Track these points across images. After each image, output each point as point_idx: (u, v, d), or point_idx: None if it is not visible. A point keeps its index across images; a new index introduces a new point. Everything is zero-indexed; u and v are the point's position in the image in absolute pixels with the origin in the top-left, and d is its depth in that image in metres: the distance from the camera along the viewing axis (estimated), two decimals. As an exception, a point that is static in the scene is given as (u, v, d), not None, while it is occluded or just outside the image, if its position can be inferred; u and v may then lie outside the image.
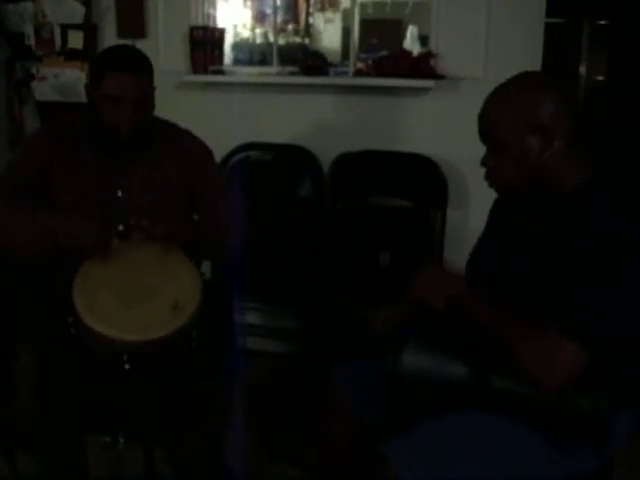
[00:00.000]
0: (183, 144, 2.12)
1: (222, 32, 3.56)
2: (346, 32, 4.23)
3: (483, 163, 1.58)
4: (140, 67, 1.96)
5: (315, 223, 3.35)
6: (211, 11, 3.64)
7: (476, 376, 1.47)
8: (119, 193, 2.03)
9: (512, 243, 1.60)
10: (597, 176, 1.51)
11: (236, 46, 4.11)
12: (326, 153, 3.37)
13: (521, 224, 1.60)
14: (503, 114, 1.50)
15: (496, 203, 1.80)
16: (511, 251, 1.58)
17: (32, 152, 2.06)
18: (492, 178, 1.57)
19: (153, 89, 2.02)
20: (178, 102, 3.42)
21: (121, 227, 1.93)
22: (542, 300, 1.42)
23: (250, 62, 4.08)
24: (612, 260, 1.38)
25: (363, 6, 4.24)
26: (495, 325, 1.44)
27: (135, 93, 1.92)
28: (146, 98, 1.96)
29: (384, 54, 3.48)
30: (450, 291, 1.52)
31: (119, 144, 1.97)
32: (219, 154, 3.17)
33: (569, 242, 1.41)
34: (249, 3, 4.36)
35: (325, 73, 3.46)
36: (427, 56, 3.24)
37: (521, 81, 1.55)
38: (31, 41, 3.58)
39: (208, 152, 2.17)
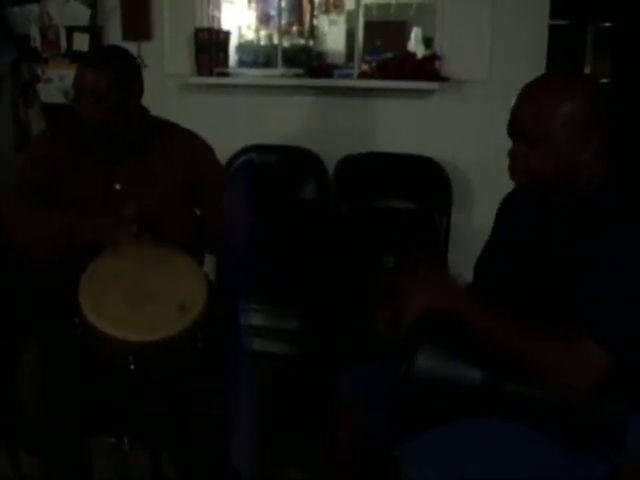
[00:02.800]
0: (182, 141, 2.13)
1: (227, 34, 3.57)
2: (350, 34, 4.22)
3: (510, 155, 1.55)
4: (103, 63, 1.95)
5: (319, 225, 3.35)
6: (216, 13, 3.65)
7: (490, 380, 1.46)
8: (117, 186, 2.05)
9: (528, 245, 1.59)
10: (616, 176, 1.51)
11: (241, 48, 4.11)
12: (330, 155, 3.38)
13: (536, 223, 1.59)
14: (543, 109, 1.47)
15: (504, 202, 1.78)
16: (528, 253, 1.57)
17: (41, 151, 2.11)
18: (519, 172, 1.54)
19: (125, 91, 1.98)
20: (183, 104, 3.43)
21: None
22: (562, 301, 1.41)
23: (255, 64, 4.08)
24: (632, 259, 1.38)
25: (367, 8, 4.23)
26: (512, 335, 1.41)
27: (93, 88, 1.92)
28: (105, 94, 1.93)
29: (388, 56, 3.49)
30: (450, 303, 1.48)
31: (88, 137, 1.99)
32: (223, 156, 3.17)
33: (598, 244, 1.40)
34: (253, 5, 4.36)
35: (329, 75, 3.46)
36: (431, 58, 3.25)
37: (562, 78, 1.54)
38: (37, 43, 3.59)
39: (208, 149, 2.18)
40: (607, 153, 1.51)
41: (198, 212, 2.17)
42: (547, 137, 1.47)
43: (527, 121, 1.49)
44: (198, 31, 3.46)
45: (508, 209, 1.77)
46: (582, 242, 1.44)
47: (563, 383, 1.38)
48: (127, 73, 2.00)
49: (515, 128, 1.53)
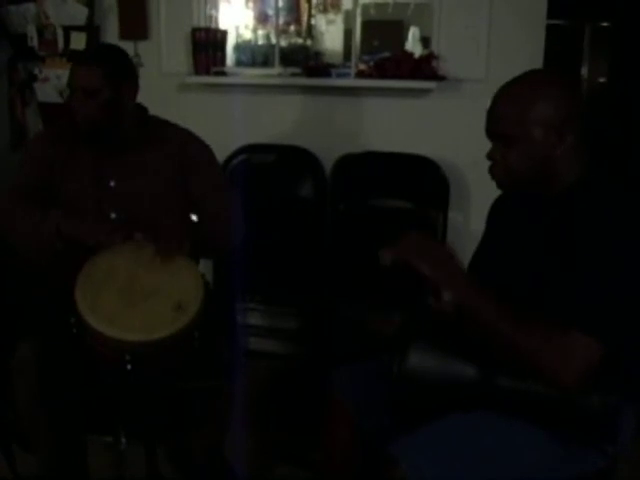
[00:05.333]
0: (180, 140, 2.13)
1: (224, 33, 3.56)
2: (348, 33, 4.23)
3: (489, 157, 1.58)
4: (95, 60, 1.95)
5: (317, 224, 3.35)
6: (213, 12, 3.64)
7: (483, 375, 1.47)
8: (112, 183, 2.05)
9: (516, 243, 1.60)
10: (595, 173, 1.53)
11: (238, 47, 4.11)
12: (328, 154, 3.38)
13: (522, 223, 1.61)
14: (517, 110, 1.49)
15: (495, 205, 1.81)
16: (515, 250, 1.59)
17: (37, 152, 2.10)
18: (498, 173, 1.57)
19: (118, 88, 1.98)
20: (180, 103, 3.43)
21: (114, 215, 1.99)
22: (550, 297, 1.42)
23: (252, 63, 4.08)
24: (619, 253, 1.38)
25: (365, 7, 4.24)
26: (504, 325, 1.40)
27: (84, 84, 1.93)
28: (98, 91, 1.94)
29: (386, 55, 3.48)
30: (439, 257, 1.46)
31: (82, 134, 2.00)
32: (221, 155, 3.18)
33: (575, 237, 1.42)
34: (251, 4, 4.36)
35: (327, 74, 3.46)
36: (429, 57, 3.25)
37: (534, 78, 1.56)
38: (34, 42, 3.58)
39: (206, 149, 2.18)
40: (586, 147, 1.53)
41: (195, 217, 2.17)
42: (522, 137, 1.50)
43: (502, 122, 1.52)
44: (195, 30, 3.45)
45: (498, 212, 1.79)
46: (562, 236, 1.45)
47: (551, 375, 1.37)
48: (119, 71, 2.01)
49: (491, 130, 1.56)
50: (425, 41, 3.67)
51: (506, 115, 1.52)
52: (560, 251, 1.44)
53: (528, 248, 1.55)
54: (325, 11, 4.78)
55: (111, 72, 1.96)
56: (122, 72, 2.02)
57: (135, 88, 2.07)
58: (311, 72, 3.50)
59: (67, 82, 2.01)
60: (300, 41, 4.61)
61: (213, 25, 3.63)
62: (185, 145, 2.13)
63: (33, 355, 1.85)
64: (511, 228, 1.66)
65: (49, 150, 2.06)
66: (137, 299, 1.78)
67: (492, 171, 1.58)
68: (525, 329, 1.39)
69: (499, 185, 1.62)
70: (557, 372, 1.36)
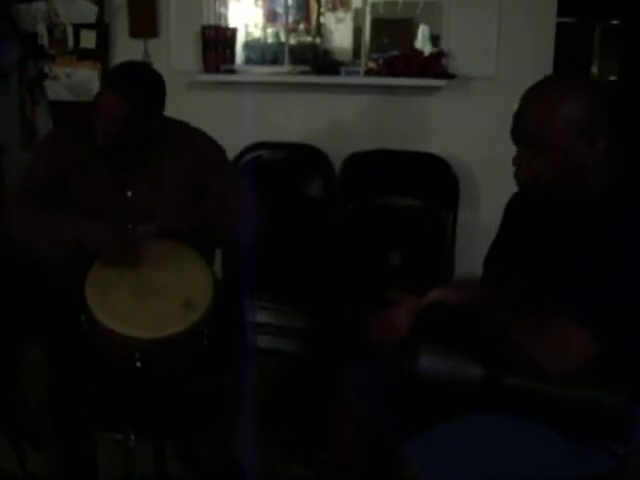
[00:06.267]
0: (194, 143, 2.12)
1: (234, 31, 3.56)
2: (357, 32, 4.22)
3: (516, 162, 1.54)
4: (130, 95, 1.92)
5: (326, 222, 3.35)
6: (223, 10, 3.65)
7: (493, 377, 1.46)
8: (129, 193, 2.04)
9: (533, 242, 1.59)
10: (622, 175, 1.51)
11: (247, 45, 4.12)
12: (337, 152, 3.37)
13: (542, 222, 1.59)
14: (546, 115, 1.46)
15: (511, 201, 1.78)
16: (532, 250, 1.57)
17: (49, 152, 2.09)
18: (524, 178, 1.54)
19: (143, 119, 1.97)
20: (189, 101, 3.43)
21: (131, 225, 1.95)
22: (561, 294, 1.41)
23: (262, 61, 4.08)
24: (631, 254, 1.37)
25: (374, 5, 4.23)
26: (502, 315, 1.43)
27: (111, 112, 1.92)
28: (124, 120, 1.93)
29: (395, 54, 3.48)
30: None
31: (101, 147, 1.99)
32: (230, 153, 3.16)
33: (598, 240, 1.41)
34: (260, 2, 4.36)
35: (336, 72, 3.46)
36: (438, 55, 3.24)
37: (563, 82, 1.53)
38: (44, 41, 3.59)
39: (219, 150, 2.17)
40: (614, 153, 1.50)
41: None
42: (552, 143, 1.46)
43: (531, 128, 1.49)
44: (205, 28, 3.45)
45: (516, 206, 1.77)
46: (583, 240, 1.44)
47: (542, 365, 1.38)
48: (150, 106, 1.98)
49: (519, 134, 1.53)
50: (435, 39, 3.66)
51: (534, 120, 1.47)
52: (578, 254, 1.43)
53: (548, 248, 1.53)
54: (334, 9, 4.78)
55: (140, 108, 1.94)
56: (151, 107, 1.99)
57: (161, 113, 2.04)
58: (320, 70, 3.50)
59: (94, 98, 2.00)
60: (309, 39, 4.60)
61: (223, 23, 3.63)
62: (199, 147, 2.12)
63: (43, 353, 1.85)
64: (529, 226, 1.64)
65: (60, 150, 2.04)
66: (147, 297, 1.79)
67: (517, 176, 1.55)
68: (522, 320, 1.41)
69: (524, 189, 1.59)
70: (548, 361, 1.37)
